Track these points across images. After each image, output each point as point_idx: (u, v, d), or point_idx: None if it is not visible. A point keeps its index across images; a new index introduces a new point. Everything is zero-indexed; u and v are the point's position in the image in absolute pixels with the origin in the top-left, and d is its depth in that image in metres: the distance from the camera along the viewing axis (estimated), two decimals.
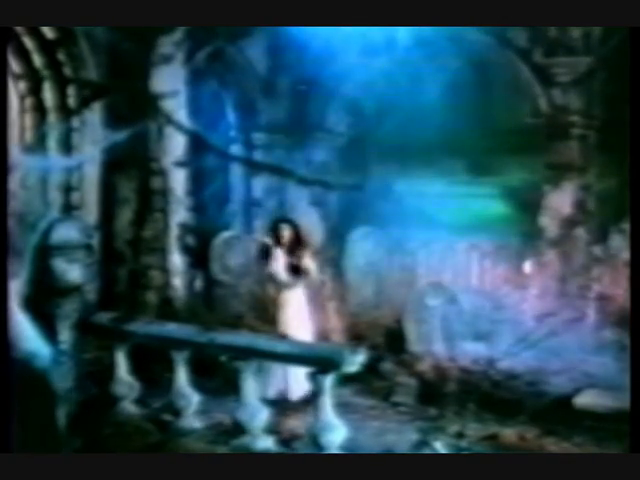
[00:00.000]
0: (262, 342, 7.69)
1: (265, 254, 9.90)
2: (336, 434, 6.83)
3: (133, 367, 8.29)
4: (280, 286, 9.73)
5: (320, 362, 7.01)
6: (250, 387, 7.35)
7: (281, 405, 8.83)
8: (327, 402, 6.89)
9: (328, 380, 6.88)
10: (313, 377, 7.00)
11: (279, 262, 9.78)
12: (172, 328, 8.24)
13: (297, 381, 9.00)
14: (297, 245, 9.97)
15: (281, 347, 7.43)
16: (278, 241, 9.88)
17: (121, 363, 8.15)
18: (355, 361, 6.87)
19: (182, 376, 7.83)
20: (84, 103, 11.09)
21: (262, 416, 7.33)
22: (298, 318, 9.72)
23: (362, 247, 12.78)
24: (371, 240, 12.78)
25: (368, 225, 12.79)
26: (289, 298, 9.74)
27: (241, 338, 7.96)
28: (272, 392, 9.13)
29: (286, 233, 9.93)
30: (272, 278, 9.76)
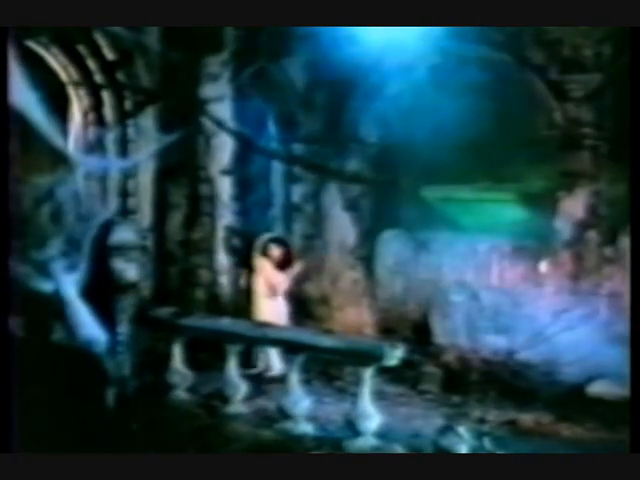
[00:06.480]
0: (309, 337, 7.84)
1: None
2: (372, 421, 6.94)
3: (186, 357, 8.38)
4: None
5: (363, 356, 7.14)
6: (294, 378, 7.43)
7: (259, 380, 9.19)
8: (366, 391, 6.99)
9: (368, 372, 6.99)
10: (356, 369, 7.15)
11: (262, 276, 10.51)
12: (226, 323, 8.34)
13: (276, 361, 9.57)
14: (286, 264, 10.59)
15: (326, 342, 7.47)
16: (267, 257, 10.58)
17: (177, 354, 8.19)
18: (394, 355, 6.99)
19: (232, 367, 7.90)
20: (138, 108, 11.25)
21: (304, 403, 7.42)
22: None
23: (391, 248, 12.83)
24: (399, 241, 12.82)
25: (397, 228, 12.83)
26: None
27: (289, 333, 8.13)
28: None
29: (275, 252, 10.63)
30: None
